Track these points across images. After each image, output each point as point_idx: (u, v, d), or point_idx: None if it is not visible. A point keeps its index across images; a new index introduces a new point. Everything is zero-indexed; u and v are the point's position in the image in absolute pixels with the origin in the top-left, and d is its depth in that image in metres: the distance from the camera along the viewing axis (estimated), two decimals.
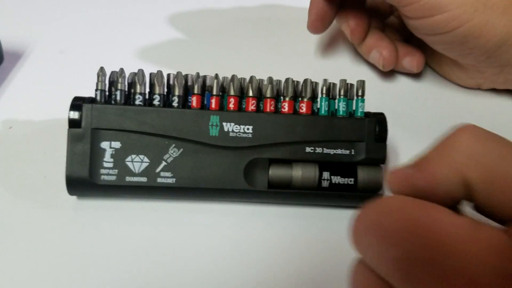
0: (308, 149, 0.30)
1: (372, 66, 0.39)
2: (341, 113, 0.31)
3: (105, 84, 0.29)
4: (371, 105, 0.32)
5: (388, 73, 0.39)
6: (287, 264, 0.29)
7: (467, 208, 0.27)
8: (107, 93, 0.30)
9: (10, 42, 0.39)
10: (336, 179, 0.30)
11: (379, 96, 0.37)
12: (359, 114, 0.31)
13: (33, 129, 0.34)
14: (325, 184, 0.30)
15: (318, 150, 0.30)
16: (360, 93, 0.31)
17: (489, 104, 0.38)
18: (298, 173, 0.30)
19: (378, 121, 0.30)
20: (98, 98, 0.29)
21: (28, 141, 0.33)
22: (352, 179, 0.30)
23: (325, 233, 0.31)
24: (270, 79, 0.31)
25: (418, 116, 0.37)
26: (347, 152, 0.30)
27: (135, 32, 0.41)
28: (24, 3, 0.42)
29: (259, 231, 0.30)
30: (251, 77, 0.30)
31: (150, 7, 0.43)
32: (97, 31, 0.41)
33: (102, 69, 0.30)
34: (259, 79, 0.31)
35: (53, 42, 0.40)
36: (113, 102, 0.29)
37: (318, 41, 0.42)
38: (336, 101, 0.31)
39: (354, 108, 0.31)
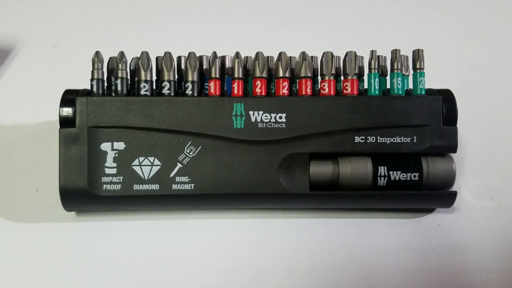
0: (357, 139, 0.26)
1: (425, 30, 0.35)
2: (396, 91, 0.27)
3: (102, 73, 0.27)
4: (430, 80, 0.28)
5: (446, 41, 0.35)
6: (336, 282, 0.26)
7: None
8: (105, 83, 0.27)
9: None
10: (396, 175, 0.26)
11: (438, 69, 0.32)
12: (419, 91, 0.27)
13: (22, 135, 0.32)
14: (381, 182, 0.26)
15: (371, 139, 0.26)
16: (419, 66, 0.27)
17: None
18: (346, 169, 0.26)
19: (445, 99, 0.26)
20: (95, 89, 0.26)
21: (17, 149, 0.31)
22: (416, 174, 0.26)
23: (383, 243, 0.27)
24: (304, 55, 0.27)
25: (488, 92, 0.33)
26: (408, 140, 0.26)
27: (136, 13, 0.38)
28: None
29: (300, 244, 0.27)
30: (280, 54, 0.27)
31: None
32: (94, 19, 0.38)
33: (98, 53, 0.27)
34: (290, 56, 0.27)
35: (46, 36, 0.37)
36: (113, 93, 0.26)
37: (355, 4, 0.38)
38: (389, 77, 0.27)
39: (411, 85, 0.27)
